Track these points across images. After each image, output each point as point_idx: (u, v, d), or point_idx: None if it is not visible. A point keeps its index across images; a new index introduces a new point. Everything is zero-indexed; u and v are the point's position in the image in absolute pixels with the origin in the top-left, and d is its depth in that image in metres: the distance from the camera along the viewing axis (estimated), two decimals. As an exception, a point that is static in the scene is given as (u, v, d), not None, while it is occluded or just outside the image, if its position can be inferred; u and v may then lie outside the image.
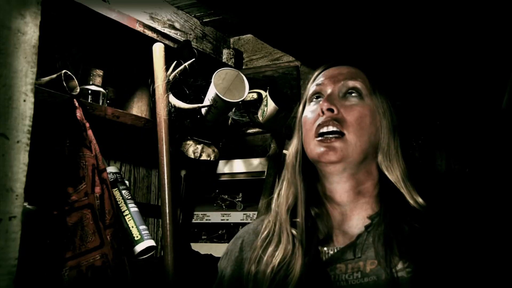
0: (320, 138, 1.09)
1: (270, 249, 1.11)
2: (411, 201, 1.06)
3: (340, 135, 1.08)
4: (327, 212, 1.15)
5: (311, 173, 1.17)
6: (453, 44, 1.90)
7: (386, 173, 1.10)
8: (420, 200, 1.06)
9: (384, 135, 1.12)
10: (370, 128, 1.10)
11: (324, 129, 1.09)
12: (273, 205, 1.19)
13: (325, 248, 1.10)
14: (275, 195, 1.20)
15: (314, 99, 1.17)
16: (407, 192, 1.07)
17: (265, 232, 1.16)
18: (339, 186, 1.12)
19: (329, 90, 1.14)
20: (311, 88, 1.19)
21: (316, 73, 1.22)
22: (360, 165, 1.10)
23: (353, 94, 1.13)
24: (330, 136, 1.08)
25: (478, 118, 1.81)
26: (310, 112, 1.15)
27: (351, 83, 1.13)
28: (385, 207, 1.10)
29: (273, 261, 1.08)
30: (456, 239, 1.01)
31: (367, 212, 1.11)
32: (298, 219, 1.12)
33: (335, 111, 1.09)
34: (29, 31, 0.86)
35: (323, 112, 1.10)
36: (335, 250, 1.08)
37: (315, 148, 1.09)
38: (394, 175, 1.09)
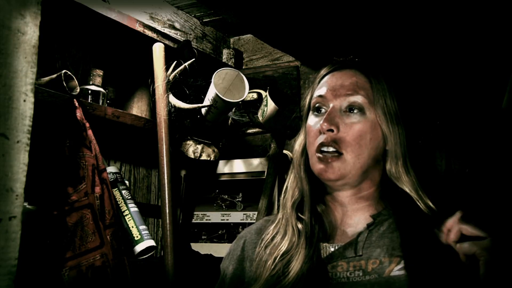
0: (319, 154, 1.11)
1: (275, 241, 1.15)
2: (422, 206, 1.08)
3: (338, 154, 1.10)
4: (330, 209, 1.18)
5: None
6: (453, 44, 1.90)
7: (397, 183, 1.11)
8: (430, 204, 1.08)
9: (392, 143, 1.12)
10: (371, 144, 1.11)
11: (324, 148, 1.11)
12: (281, 198, 1.22)
13: (326, 244, 1.11)
14: (283, 189, 1.23)
15: (316, 111, 1.18)
16: (418, 198, 1.09)
17: (273, 225, 1.20)
18: (341, 193, 1.15)
19: (330, 105, 1.14)
20: (315, 93, 1.19)
21: (321, 74, 1.22)
22: (361, 178, 1.13)
23: (354, 111, 1.13)
24: (329, 154, 1.10)
25: (478, 118, 1.81)
26: (313, 122, 1.16)
27: (352, 99, 1.13)
28: (388, 207, 1.13)
29: (277, 252, 1.11)
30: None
31: (369, 211, 1.14)
32: (304, 216, 1.14)
33: (335, 131, 1.11)
34: (29, 31, 0.86)
35: (324, 131, 1.11)
36: (336, 247, 1.10)
37: (315, 164, 1.12)
38: (407, 188, 1.10)
